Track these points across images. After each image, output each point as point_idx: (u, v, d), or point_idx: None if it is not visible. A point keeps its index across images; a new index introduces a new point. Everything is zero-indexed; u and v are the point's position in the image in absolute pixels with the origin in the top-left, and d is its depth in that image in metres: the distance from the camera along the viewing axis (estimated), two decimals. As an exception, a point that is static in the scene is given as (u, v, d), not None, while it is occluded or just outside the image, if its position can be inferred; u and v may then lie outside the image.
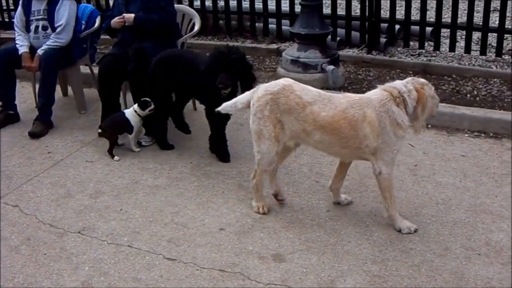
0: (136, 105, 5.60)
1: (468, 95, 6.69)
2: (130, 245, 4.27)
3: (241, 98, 4.50)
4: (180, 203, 4.80)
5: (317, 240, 4.28)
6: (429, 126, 6.02)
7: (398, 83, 4.24)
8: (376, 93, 4.23)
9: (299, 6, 7.34)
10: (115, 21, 5.87)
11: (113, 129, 5.56)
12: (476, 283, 3.82)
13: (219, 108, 4.56)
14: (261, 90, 4.36)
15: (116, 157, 5.48)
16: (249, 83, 5.06)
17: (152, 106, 5.52)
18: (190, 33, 6.28)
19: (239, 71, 5.08)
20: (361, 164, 5.15)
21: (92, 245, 4.29)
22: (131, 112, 5.60)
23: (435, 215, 4.56)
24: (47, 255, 4.20)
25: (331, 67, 6.77)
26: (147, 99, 5.54)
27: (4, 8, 10.39)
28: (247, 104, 4.43)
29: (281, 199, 4.69)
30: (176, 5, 6.16)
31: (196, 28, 6.26)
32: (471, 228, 4.36)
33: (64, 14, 6.20)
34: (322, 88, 6.50)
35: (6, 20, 10.22)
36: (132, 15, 5.77)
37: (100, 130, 5.58)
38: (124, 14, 5.81)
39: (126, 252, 4.20)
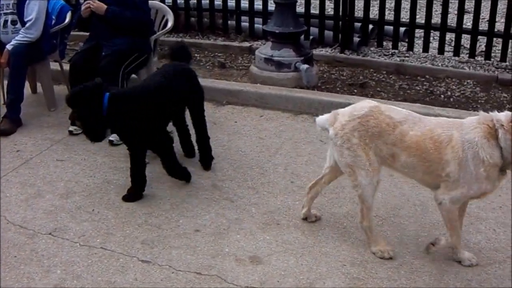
0: None
1: (442, 96, 6.70)
2: (103, 247, 4.17)
3: (321, 120, 4.16)
4: (154, 203, 4.71)
5: (294, 242, 4.22)
6: (404, 126, 5.92)
7: (502, 114, 3.66)
8: (473, 119, 3.75)
9: (273, 4, 7.29)
10: (83, 9, 5.72)
11: None
12: (455, 285, 3.78)
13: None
14: (343, 117, 3.96)
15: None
16: None
17: None
18: (163, 30, 6.19)
19: None
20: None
21: (64, 247, 4.18)
22: None
23: (413, 216, 4.53)
24: (17, 258, 4.08)
25: (305, 66, 6.72)
26: None
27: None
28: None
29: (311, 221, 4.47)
30: (150, 1, 6.01)
31: (169, 25, 6.17)
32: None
33: (34, 8, 6.05)
34: (295, 87, 6.48)
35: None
36: (104, 5, 5.62)
37: (70, 128, 5.40)
38: (96, 2, 5.64)
39: (99, 254, 4.10)
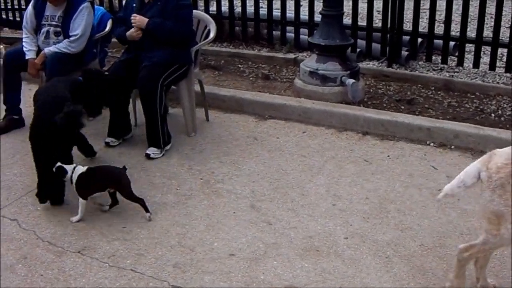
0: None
1: (493, 115, 6.38)
2: (133, 269, 3.99)
3: (469, 172, 3.52)
4: (188, 223, 4.51)
5: (334, 271, 3.99)
6: (452, 147, 5.73)
7: None
8: None
9: (319, 15, 7.07)
10: (132, 33, 5.60)
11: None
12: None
13: (441, 196, 3.65)
14: (500, 158, 3.38)
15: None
16: None
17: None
18: (205, 41, 6.00)
19: None
20: (382, 187, 4.93)
21: (92, 267, 4.01)
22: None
23: (460, 246, 4.21)
24: (44, 277, 3.92)
25: (351, 80, 6.47)
26: None
27: (16, 7, 10.14)
28: (477, 177, 3.48)
29: None
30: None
31: (212, 35, 5.99)
32: (499, 263, 4.04)
33: (81, 24, 5.91)
34: (340, 102, 6.26)
35: (18, 19, 9.96)
36: (145, 19, 5.49)
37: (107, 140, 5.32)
38: (137, 16, 5.52)
39: (128, 276, 3.92)
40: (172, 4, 5.53)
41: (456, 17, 7.65)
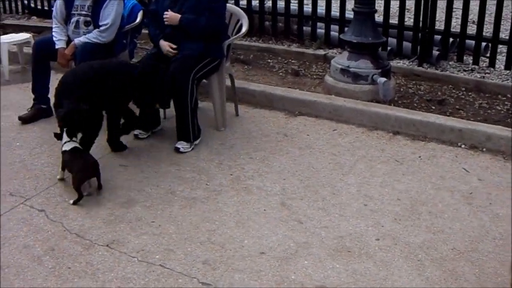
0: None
1: (525, 118, 6.21)
2: (162, 264, 3.93)
3: None
4: (218, 219, 4.45)
5: (365, 273, 3.90)
6: (484, 149, 5.63)
7: None
8: None
9: (350, 12, 6.98)
10: (168, 50, 5.55)
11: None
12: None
13: None
14: None
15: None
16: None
17: None
18: (238, 35, 5.93)
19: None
20: (413, 188, 4.86)
21: (120, 261, 3.96)
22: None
23: (493, 251, 4.14)
24: (71, 269, 3.87)
25: (383, 79, 6.38)
26: None
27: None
28: None
29: None
30: (225, 4, 5.78)
31: (244, 29, 5.91)
32: (499, 264, 3.98)
33: (111, 13, 5.87)
34: (371, 101, 6.18)
35: (46, 8, 9.95)
36: (178, 15, 5.43)
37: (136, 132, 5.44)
38: (169, 13, 5.46)
39: (157, 272, 3.86)
40: None
41: (487, 17, 7.48)
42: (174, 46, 5.53)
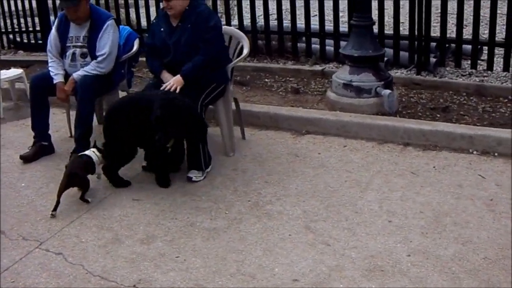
0: (95, 149, 5.26)
1: (530, 119, 6.16)
2: (195, 301, 3.75)
3: None
4: (244, 249, 4.31)
5: (403, 291, 3.75)
6: (496, 154, 5.57)
7: None
8: None
9: (344, 26, 6.88)
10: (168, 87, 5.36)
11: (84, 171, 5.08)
12: None
13: None
14: None
15: (88, 199, 5.03)
16: (199, 136, 5.08)
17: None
18: (240, 58, 5.81)
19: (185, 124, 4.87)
20: (434, 199, 4.79)
21: (151, 301, 3.77)
22: (92, 154, 5.21)
23: (524, 257, 4.02)
24: (101, 315, 3.69)
25: (387, 91, 6.30)
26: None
27: (30, 29, 10.01)
28: None
29: None
30: (223, 27, 5.64)
31: (245, 51, 5.80)
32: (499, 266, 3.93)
33: (107, 42, 5.74)
34: (376, 113, 6.10)
35: (33, 41, 9.82)
36: (179, 77, 5.32)
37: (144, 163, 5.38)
38: (171, 81, 5.33)
39: (191, 309, 3.68)
40: (201, 28, 5.33)
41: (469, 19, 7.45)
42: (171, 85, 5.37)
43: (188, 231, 4.53)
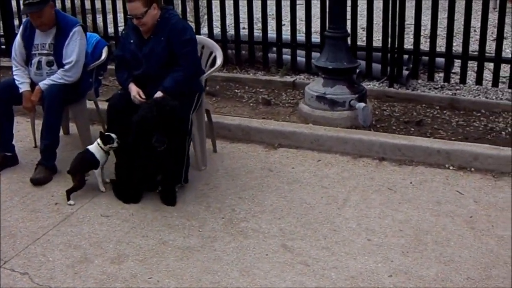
0: (99, 139, 5.14)
1: (503, 133, 6.18)
2: (169, 325, 3.57)
3: None
4: (220, 269, 4.13)
5: (387, 315, 3.62)
6: (472, 169, 5.50)
7: None
8: None
9: (317, 36, 6.75)
10: (135, 96, 5.20)
11: (79, 170, 5.11)
12: None
13: None
14: None
15: (71, 201, 5.00)
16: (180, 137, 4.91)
17: (115, 144, 5.12)
18: (214, 68, 5.64)
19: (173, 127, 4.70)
20: (413, 217, 4.69)
21: (123, 327, 3.58)
22: (96, 147, 5.15)
23: (507, 276, 3.97)
24: None
25: (362, 104, 6.19)
26: (112, 134, 5.12)
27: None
28: None
29: None
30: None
31: (219, 62, 5.64)
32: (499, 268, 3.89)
33: (75, 50, 5.52)
34: (350, 127, 5.99)
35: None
36: (160, 93, 5.09)
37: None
38: (158, 96, 5.08)
39: (165, 335, 3.49)
40: (176, 40, 5.16)
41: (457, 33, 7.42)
42: (143, 97, 5.17)
43: (161, 250, 4.34)
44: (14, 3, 9.32)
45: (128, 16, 5.24)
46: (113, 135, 5.13)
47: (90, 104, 6.25)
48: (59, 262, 4.24)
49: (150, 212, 4.87)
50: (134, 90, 5.19)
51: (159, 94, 5.06)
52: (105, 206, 4.99)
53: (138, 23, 5.13)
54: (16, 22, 9.42)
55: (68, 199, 5.03)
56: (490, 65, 7.36)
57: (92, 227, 4.69)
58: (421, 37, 7.53)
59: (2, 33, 9.61)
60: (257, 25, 8.62)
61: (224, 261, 4.22)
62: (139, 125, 4.71)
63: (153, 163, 4.89)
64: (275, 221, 4.72)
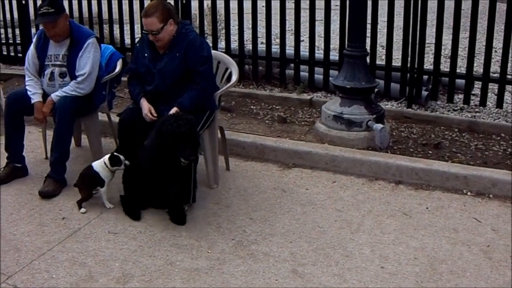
0: (107, 157, 5.05)
1: (524, 158, 5.94)
2: None
3: None
4: (229, 294, 3.98)
5: None
6: (491, 196, 5.35)
7: None
8: None
9: (335, 53, 6.68)
10: (146, 115, 5.13)
11: (84, 185, 5.08)
12: None
13: None
14: None
15: (83, 209, 5.03)
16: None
17: (122, 166, 5.04)
18: (229, 85, 5.55)
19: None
20: (428, 244, 4.54)
21: None
22: (101, 166, 5.06)
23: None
24: None
25: (379, 125, 6.05)
26: (120, 156, 5.03)
27: (10, 41, 9.67)
28: None
29: None
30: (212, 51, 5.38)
31: (234, 78, 5.54)
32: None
33: (88, 62, 5.44)
34: (367, 148, 5.84)
35: (12, 54, 9.50)
36: (175, 109, 5.01)
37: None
38: (174, 113, 4.95)
39: None
40: (192, 58, 5.08)
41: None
42: (155, 115, 5.09)
43: (167, 270, 4.23)
44: (31, 11, 9.26)
45: (144, 31, 5.14)
46: (122, 157, 5.04)
47: (102, 117, 6.13)
48: (62, 280, 4.14)
49: (158, 231, 4.77)
50: (146, 107, 5.10)
51: (174, 109, 4.94)
52: (113, 222, 4.88)
53: (154, 39, 5.04)
54: (34, 30, 9.38)
55: (80, 207, 5.03)
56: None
57: (98, 244, 4.58)
58: (441, 57, 7.35)
59: (19, 41, 9.57)
60: (275, 41, 8.49)
61: (231, 285, 4.10)
62: (165, 139, 4.58)
63: (165, 179, 4.76)
64: (286, 245, 4.60)
